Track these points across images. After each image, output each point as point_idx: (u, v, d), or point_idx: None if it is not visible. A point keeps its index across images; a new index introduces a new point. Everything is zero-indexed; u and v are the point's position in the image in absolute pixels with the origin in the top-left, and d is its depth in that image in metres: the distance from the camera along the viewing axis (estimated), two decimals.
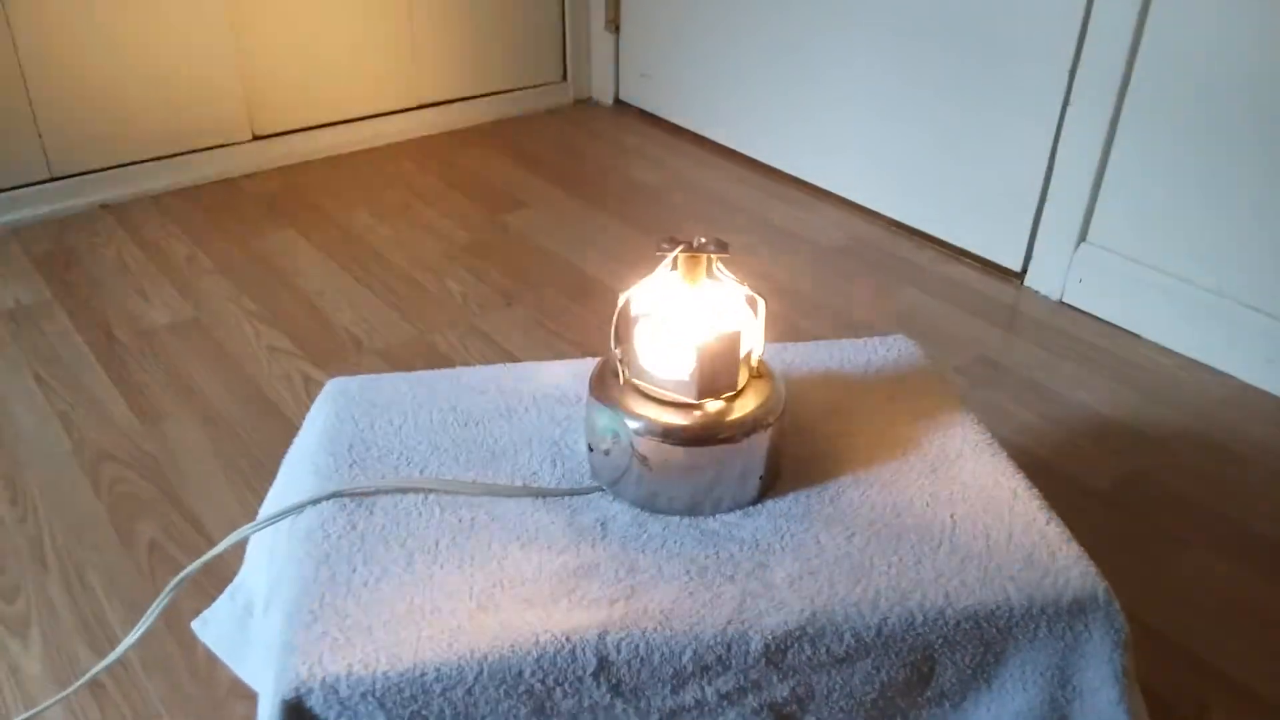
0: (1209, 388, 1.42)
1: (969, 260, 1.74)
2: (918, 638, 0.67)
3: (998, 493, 0.78)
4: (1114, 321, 1.56)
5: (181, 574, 0.77)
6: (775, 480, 0.78)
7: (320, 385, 1.38)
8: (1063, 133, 1.55)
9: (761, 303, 0.75)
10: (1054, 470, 1.26)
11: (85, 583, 1.06)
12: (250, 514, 1.15)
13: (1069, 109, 1.54)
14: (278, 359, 1.43)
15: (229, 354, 1.44)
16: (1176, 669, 1.00)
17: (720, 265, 0.75)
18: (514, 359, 1.45)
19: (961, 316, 1.59)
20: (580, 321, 1.55)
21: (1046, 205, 1.60)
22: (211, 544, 1.11)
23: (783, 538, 0.73)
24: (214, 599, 0.91)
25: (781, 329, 1.51)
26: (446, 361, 1.44)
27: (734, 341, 0.73)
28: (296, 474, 0.83)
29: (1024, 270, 1.67)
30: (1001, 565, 0.71)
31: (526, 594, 0.67)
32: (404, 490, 0.76)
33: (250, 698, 0.94)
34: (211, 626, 0.93)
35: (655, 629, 0.65)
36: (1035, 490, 0.78)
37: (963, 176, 1.71)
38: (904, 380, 0.91)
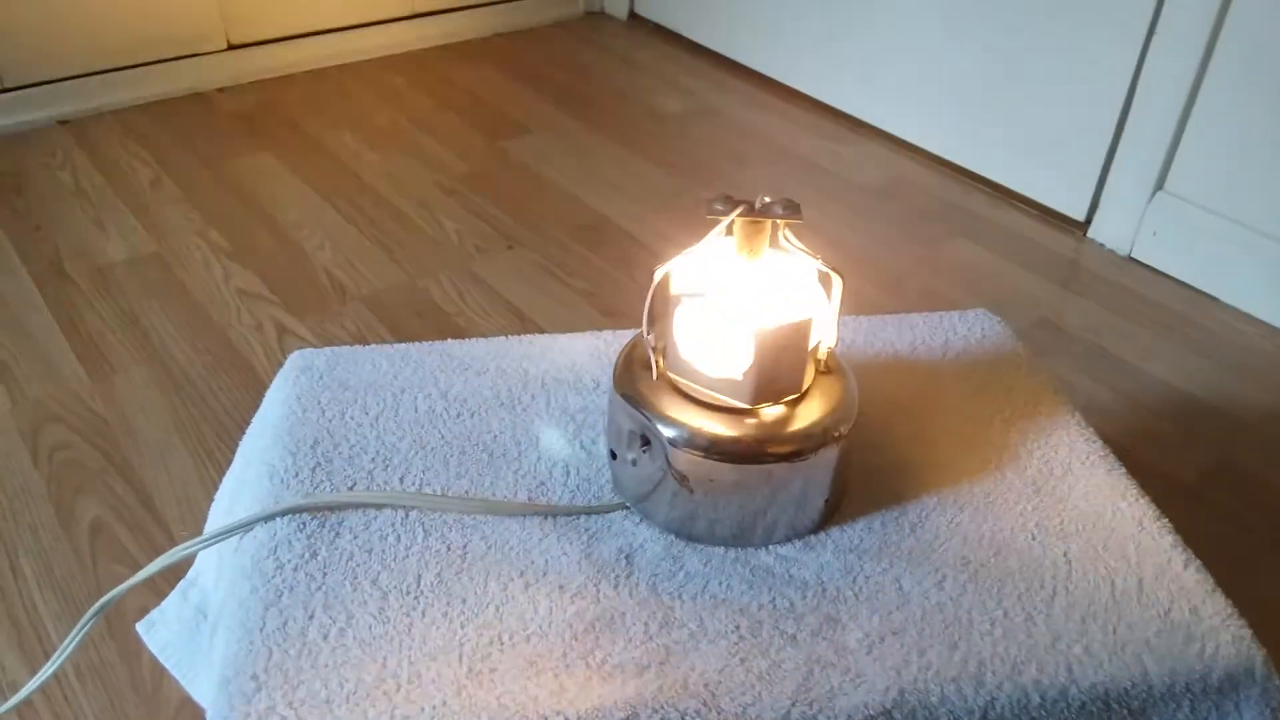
0: None
1: (1026, 206, 1.57)
2: None
3: (1119, 522, 0.62)
4: (1190, 282, 1.39)
5: (102, 600, 0.62)
6: (841, 501, 0.63)
7: (297, 338, 1.22)
8: (1146, 62, 1.36)
9: (838, 281, 0.59)
10: (1125, 455, 1.10)
11: (17, 570, 0.92)
12: (210, 490, 1.00)
13: (1155, 35, 1.34)
14: (249, 305, 1.27)
15: (193, 298, 1.28)
16: None
17: (788, 232, 0.58)
18: (517, 311, 1.29)
19: (1017, 272, 1.42)
20: (591, 268, 1.38)
21: (1120, 146, 1.42)
22: (164, 527, 0.96)
23: (855, 580, 0.58)
24: (164, 595, 0.77)
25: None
26: (440, 313, 1.27)
27: (803, 333, 0.56)
28: (251, 472, 0.67)
29: (1088, 220, 1.49)
30: (1133, 626, 0.56)
31: (532, 655, 0.53)
32: (379, 505, 0.61)
33: (203, 718, 0.80)
34: (159, 630, 0.78)
35: (699, 711, 0.50)
36: (1165, 520, 0.63)
37: (1023, 110, 1.52)
38: (991, 367, 0.75)
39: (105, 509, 0.98)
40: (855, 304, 1.32)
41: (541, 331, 1.25)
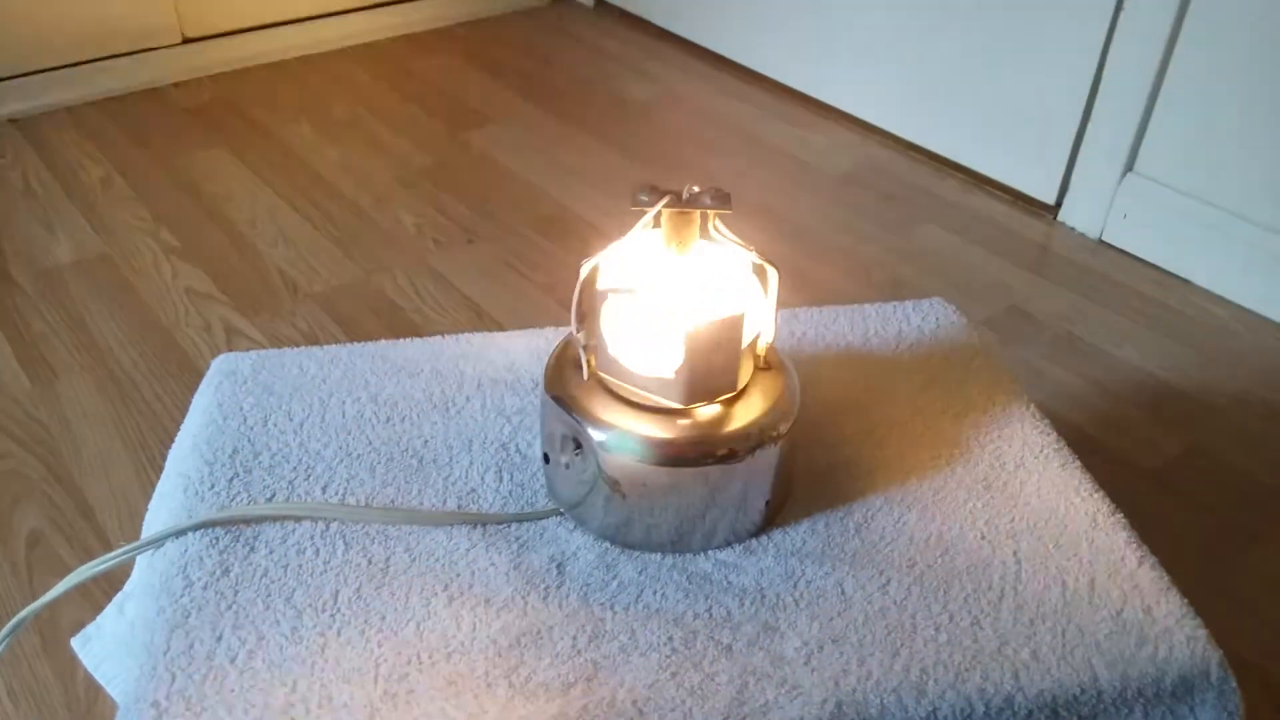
0: (1269, 344, 1.25)
1: (996, 190, 1.54)
2: None
3: (1072, 519, 0.60)
4: (1162, 265, 1.37)
5: (12, 622, 0.60)
6: (784, 502, 0.60)
7: (246, 339, 1.19)
8: (1113, 41, 1.34)
9: (773, 273, 0.56)
10: (1096, 444, 1.09)
11: None
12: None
13: (1122, 13, 1.32)
14: (198, 305, 1.24)
15: (141, 299, 1.24)
16: (1246, 693, 0.84)
17: (719, 223, 0.55)
18: (476, 307, 1.26)
19: (987, 257, 1.39)
20: (554, 262, 1.35)
21: (1089, 127, 1.40)
22: (103, 538, 0.93)
23: (795, 585, 0.55)
24: (101, 608, 0.74)
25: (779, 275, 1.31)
26: (396, 310, 1.24)
27: (735, 328, 0.54)
28: (168, 484, 0.64)
29: (1058, 203, 1.47)
30: (1084, 628, 0.53)
31: (452, 674, 0.50)
32: (297, 517, 0.58)
33: None
34: (95, 645, 0.75)
35: None
36: (1120, 515, 0.61)
37: (991, 92, 1.50)
38: (945, 359, 0.73)
39: (44, 520, 0.95)
40: (822, 293, 1.30)
41: (500, 327, 1.22)
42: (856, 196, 1.52)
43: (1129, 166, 1.37)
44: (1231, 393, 1.17)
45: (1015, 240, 1.43)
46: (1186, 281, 1.35)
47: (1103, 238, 1.42)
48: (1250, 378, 1.19)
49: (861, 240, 1.41)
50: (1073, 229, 1.45)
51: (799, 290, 1.29)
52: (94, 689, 0.80)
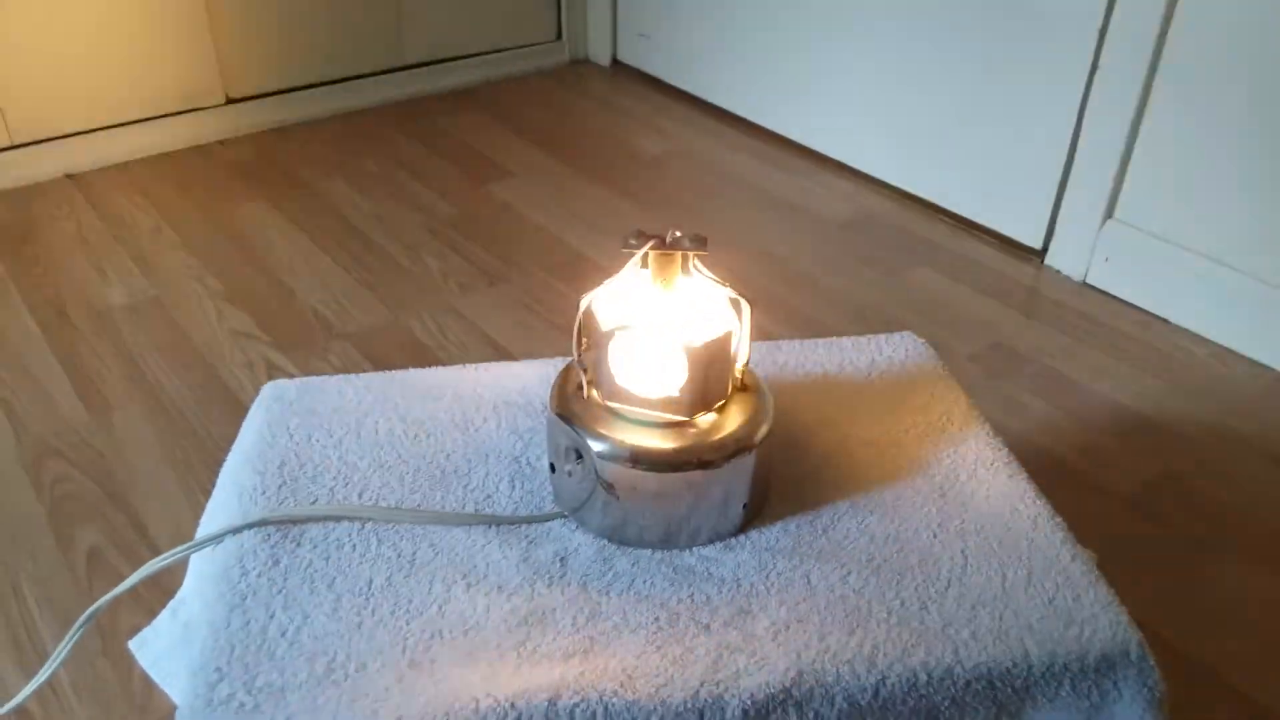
0: (1244, 380, 1.32)
1: (986, 236, 1.63)
2: (920, 699, 0.58)
3: (1015, 521, 0.68)
4: (1142, 305, 1.45)
5: (90, 610, 0.69)
6: (762, 506, 0.69)
7: (285, 374, 1.29)
8: (1090, 98, 1.43)
9: (746, 306, 0.65)
10: (1074, 471, 1.16)
11: (19, 593, 0.98)
12: (200, 518, 1.06)
13: (1097, 72, 1.41)
14: (240, 344, 1.34)
15: (188, 338, 1.35)
16: (1211, 702, 0.91)
17: (698, 263, 0.64)
18: (495, 344, 1.35)
19: (976, 299, 1.48)
20: (569, 303, 1.45)
21: (1070, 178, 1.49)
22: (156, 552, 1.02)
23: (768, 576, 0.63)
24: (156, 614, 0.83)
25: (780, 313, 1.40)
26: (421, 348, 1.34)
27: (725, 345, 0.63)
28: (223, 493, 0.74)
29: (1045, 248, 1.55)
30: (1019, 612, 0.61)
31: (469, 646, 0.58)
32: (337, 518, 0.67)
33: None
34: (150, 647, 0.84)
35: (615, 692, 0.56)
36: (1060, 519, 0.68)
37: (980, 145, 1.59)
38: (911, 385, 0.81)
39: (101, 537, 1.04)
40: (819, 332, 1.38)
41: None
42: (854, 242, 1.61)
43: (1109, 213, 1.46)
44: (1204, 423, 1.24)
45: (1004, 283, 1.52)
46: (1165, 321, 1.42)
47: (1087, 280, 1.50)
48: (1222, 410, 1.26)
49: (858, 283, 1.50)
50: (1058, 272, 1.53)
51: (797, 329, 1.38)
52: (149, 686, 0.89)
